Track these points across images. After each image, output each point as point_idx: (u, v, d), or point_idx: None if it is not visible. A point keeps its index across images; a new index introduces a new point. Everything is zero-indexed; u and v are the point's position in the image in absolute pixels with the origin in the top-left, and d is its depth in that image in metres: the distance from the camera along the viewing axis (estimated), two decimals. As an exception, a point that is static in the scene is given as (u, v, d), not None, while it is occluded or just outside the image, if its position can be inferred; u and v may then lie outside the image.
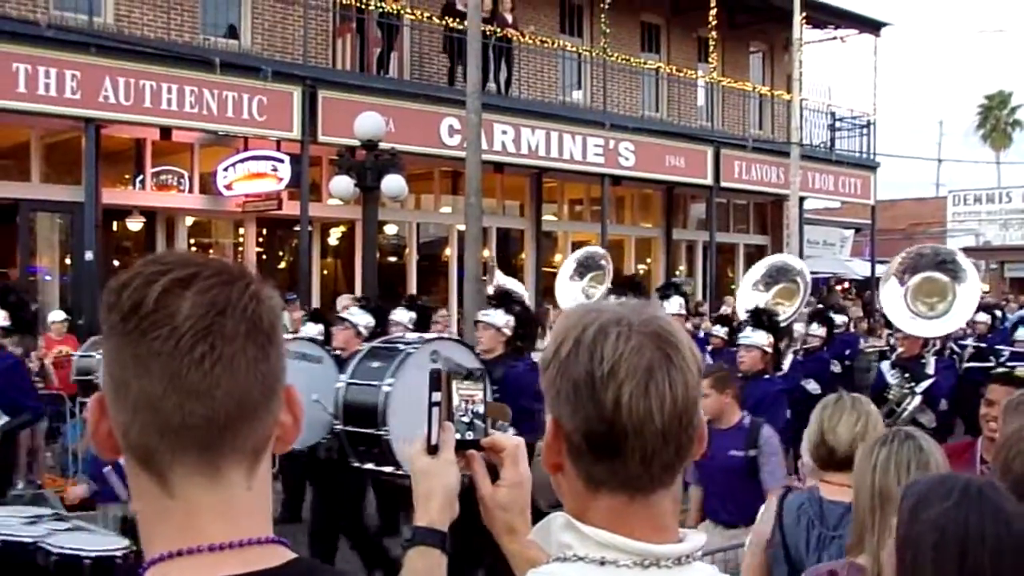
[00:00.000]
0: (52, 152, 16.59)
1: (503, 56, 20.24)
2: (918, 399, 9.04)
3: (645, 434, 1.38)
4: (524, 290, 13.18)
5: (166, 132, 16.55)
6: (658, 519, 1.43)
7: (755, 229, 28.14)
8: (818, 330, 12.67)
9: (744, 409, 6.84)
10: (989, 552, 2.05)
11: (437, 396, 1.77)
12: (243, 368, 1.21)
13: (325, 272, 19.68)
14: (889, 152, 69.99)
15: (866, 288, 29.29)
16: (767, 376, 8.78)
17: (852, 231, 34.61)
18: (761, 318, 9.01)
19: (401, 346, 7.40)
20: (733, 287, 25.72)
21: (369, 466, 7.15)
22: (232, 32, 17.94)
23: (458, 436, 1.77)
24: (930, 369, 9.25)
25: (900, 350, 9.72)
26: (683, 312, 11.57)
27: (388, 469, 6.90)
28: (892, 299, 9.61)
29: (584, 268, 12.66)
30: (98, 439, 1.27)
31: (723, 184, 23.98)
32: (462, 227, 17.58)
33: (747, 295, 11.02)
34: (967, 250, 39.43)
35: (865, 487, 3.02)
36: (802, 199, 25.26)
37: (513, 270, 22.24)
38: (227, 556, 1.21)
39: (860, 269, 31.57)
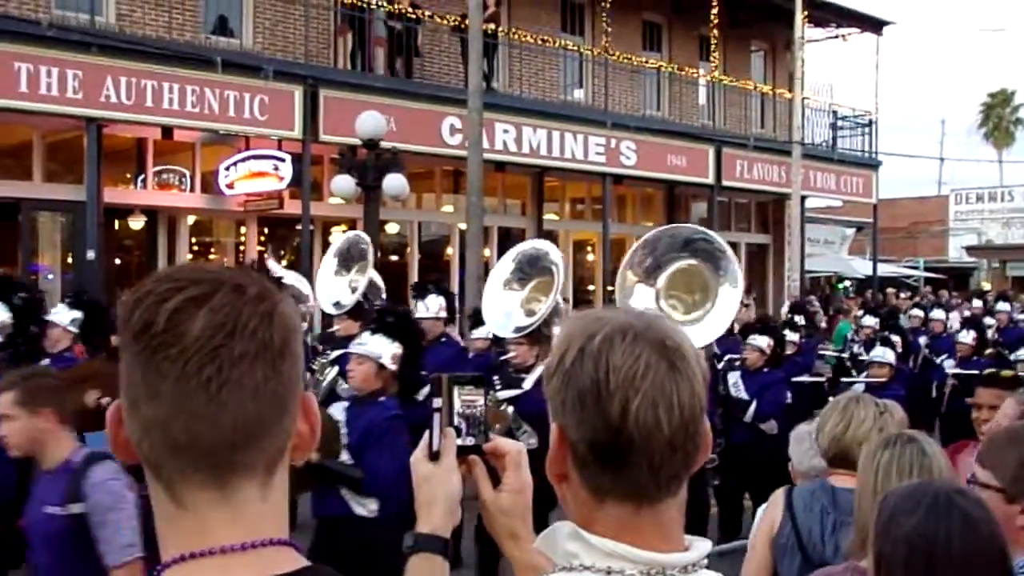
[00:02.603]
0: (54, 151, 16.60)
1: (487, 51, 20.03)
2: None
3: (653, 443, 1.38)
4: (306, 286, 10.90)
5: (167, 131, 16.55)
6: (664, 528, 1.43)
7: (757, 228, 28.14)
8: None
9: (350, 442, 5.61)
10: (958, 561, 2.07)
11: (438, 402, 1.76)
12: (251, 390, 1.21)
13: (326, 271, 19.66)
14: (891, 151, 69.93)
15: (867, 287, 29.28)
16: (382, 399, 6.06)
17: (853, 230, 34.61)
18: (387, 323, 6.42)
19: None
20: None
21: None
22: (233, 31, 17.94)
23: (459, 442, 1.77)
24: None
25: None
26: (443, 315, 9.71)
27: None
28: (643, 303, 7.41)
29: (348, 259, 10.58)
30: (117, 447, 1.27)
31: (724, 183, 23.97)
32: (464, 226, 17.58)
33: (498, 298, 8.85)
34: (970, 249, 39.54)
35: (868, 491, 3.02)
36: (804, 198, 25.28)
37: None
38: (239, 558, 1.21)
39: (861, 268, 31.59)
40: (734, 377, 10.08)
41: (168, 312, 1.20)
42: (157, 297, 1.21)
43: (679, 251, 7.35)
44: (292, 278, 10.22)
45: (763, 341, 9.91)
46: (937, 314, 16.55)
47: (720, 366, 10.34)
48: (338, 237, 10.79)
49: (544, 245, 9.43)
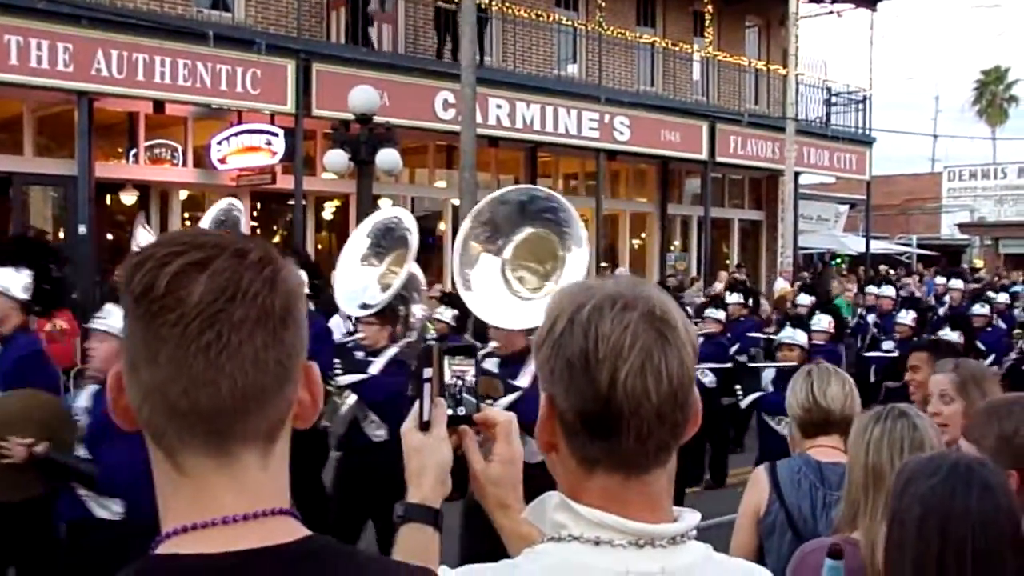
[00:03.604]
0: (45, 125, 16.52)
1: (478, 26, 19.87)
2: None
3: (641, 413, 1.37)
4: None
5: (159, 105, 16.49)
6: (653, 498, 1.43)
7: (750, 204, 28.14)
8: None
9: None
10: (973, 525, 2.10)
11: (428, 372, 1.75)
12: (251, 356, 1.20)
13: (319, 246, 19.65)
14: (884, 127, 69.78)
15: (860, 263, 29.33)
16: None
17: (847, 206, 34.62)
18: None
19: None
20: (728, 262, 25.81)
21: None
22: (225, 4, 17.83)
23: (450, 412, 1.76)
24: (524, 379, 5.92)
25: (494, 345, 6.27)
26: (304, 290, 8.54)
27: None
28: (486, 277, 6.38)
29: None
30: (118, 412, 1.27)
31: (718, 159, 23.97)
32: (457, 202, 17.55)
33: (355, 275, 7.77)
34: (963, 226, 39.63)
35: (859, 464, 3.02)
36: (797, 174, 25.27)
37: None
38: (241, 529, 1.21)
39: (854, 244, 31.62)
40: None
41: (168, 276, 1.19)
42: (158, 261, 1.20)
43: (524, 218, 6.41)
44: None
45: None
46: (886, 291, 15.44)
47: None
48: (212, 207, 9.90)
49: (397, 212, 8.49)
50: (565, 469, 1.46)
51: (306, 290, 5.86)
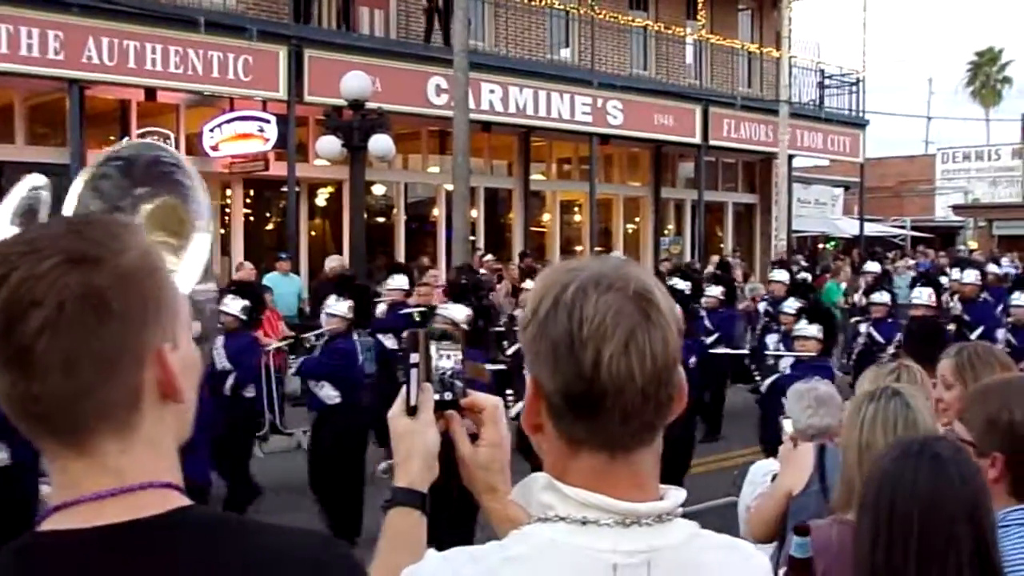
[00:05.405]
0: (36, 114, 16.46)
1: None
2: None
3: (626, 393, 1.38)
4: None
5: (151, 93, 16.43)
6: (639, 477, 1.43)
7: (744, 188, 28.12)
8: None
9: None
10: (919, 500, 2.13)
11: (415, 357, 1.75)
12: (59, 359, 1.21)
13: (313, 233, 19.63)
14: (878, 110, 69.75)
15: (854, 246, 29.34)
16: None
17: (842, 189, 34.63)
18: None
19: None
20: (722, 246, 25.82)
21: None
22: (216, -9, 17.76)
23: (437, 397, 1.76)
24: None
25: None
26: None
27: None
28: None
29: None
30: None
31: (712, 142, 23.96)
32: (450, 187, 17.53)
33: None
34: (956, 208, 39.63)
35: (852, 444, 3.04)
36: (791, 157, 25.26)
37: (501, 229, 22.24)
38: (109, 504, 1.24)
39: (848, 227, 31.63)
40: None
41: None
42: None
43: (142, 183, 5.45)
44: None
45: (459, 313, 7.87)
46: (778, 275, 14.11)
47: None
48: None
49: (33, 181, 7.70)
50: (551, 450, 1.46)
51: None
